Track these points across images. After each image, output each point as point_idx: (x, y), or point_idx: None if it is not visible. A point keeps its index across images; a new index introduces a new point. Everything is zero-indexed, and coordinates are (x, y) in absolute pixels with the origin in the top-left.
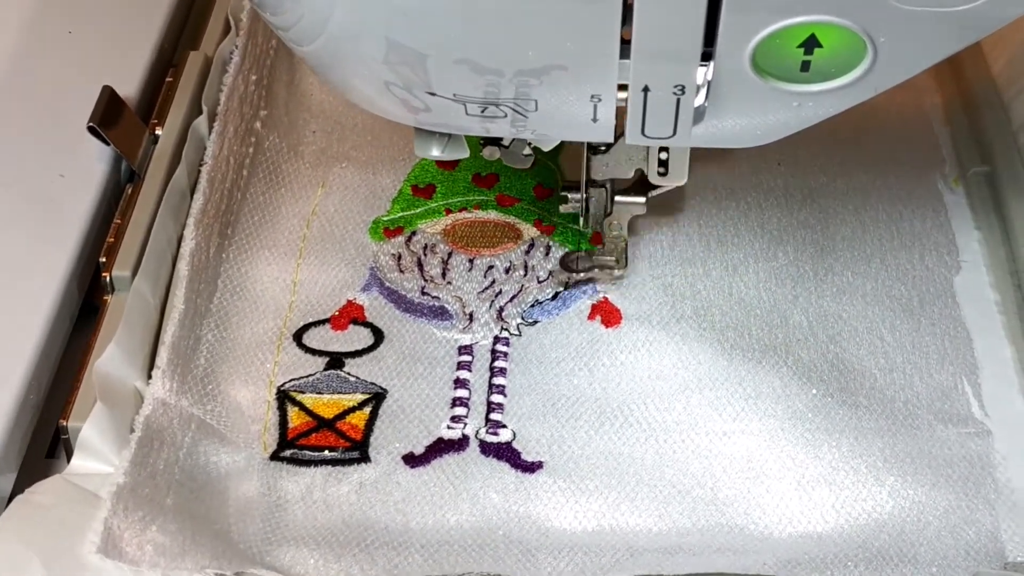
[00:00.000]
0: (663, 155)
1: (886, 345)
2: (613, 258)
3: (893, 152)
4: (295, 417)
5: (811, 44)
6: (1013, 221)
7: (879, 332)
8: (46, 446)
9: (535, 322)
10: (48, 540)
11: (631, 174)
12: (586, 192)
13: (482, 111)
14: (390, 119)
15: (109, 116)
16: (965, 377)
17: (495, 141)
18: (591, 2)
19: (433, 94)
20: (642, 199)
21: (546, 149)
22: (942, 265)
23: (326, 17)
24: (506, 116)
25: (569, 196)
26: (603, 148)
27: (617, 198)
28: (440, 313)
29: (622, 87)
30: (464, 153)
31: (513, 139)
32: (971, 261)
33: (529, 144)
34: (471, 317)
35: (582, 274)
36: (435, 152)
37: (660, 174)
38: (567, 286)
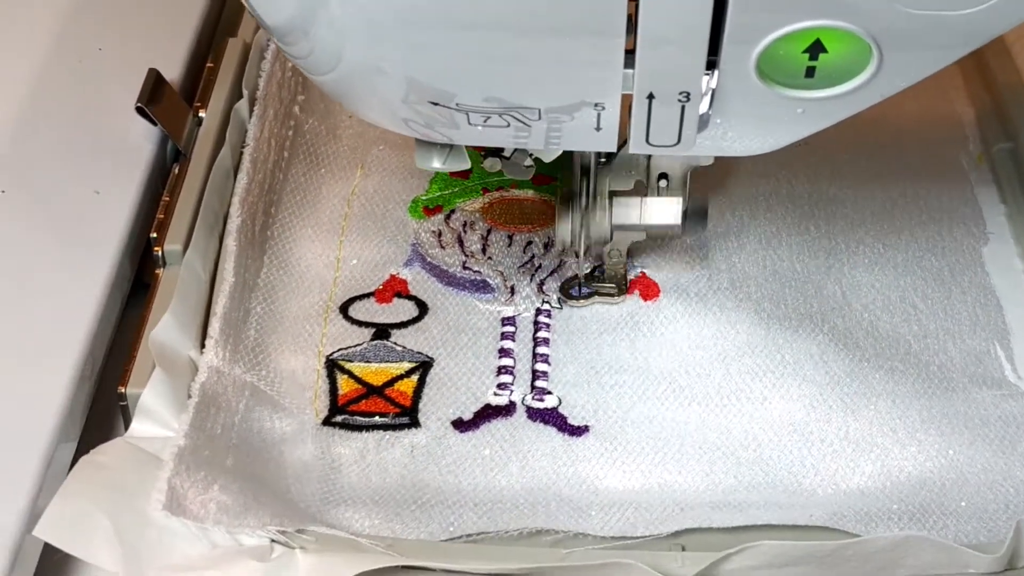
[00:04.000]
0: (663, 183)
1: (919, 312)
2: (613, 285)
3: (918, 131)
4: (344, 384)
5: (816, 49)
6: None
7: (911, 300)
8: (106, 414)
9: (576, 296)
10: (114, 498)
11: (631, 185)
12: (584, 248)
13: (485, 120)
14: (380, 125)
15: (155, 97)
16: (997, 342)
17: (496, 152)
18: (596, 10)
19: (436, 104)
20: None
21: (547, 161)
22: (970, 237)
23: (338, 52)
24: (508, 126)
25: (565, 253)
26: (603, 159)
27: (616, 225)
28: (482, 286)
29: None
30: (465, 164)
31: (515, 150)
32: (998, 233)
33: (530, 155)
34: (512, 290)
35: (582, 301)
36: (436, 164)
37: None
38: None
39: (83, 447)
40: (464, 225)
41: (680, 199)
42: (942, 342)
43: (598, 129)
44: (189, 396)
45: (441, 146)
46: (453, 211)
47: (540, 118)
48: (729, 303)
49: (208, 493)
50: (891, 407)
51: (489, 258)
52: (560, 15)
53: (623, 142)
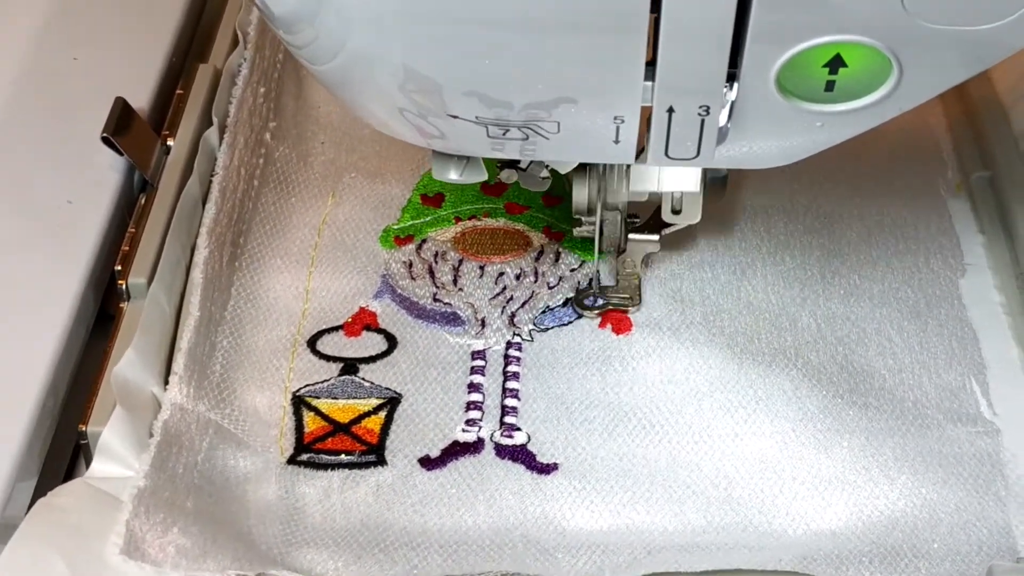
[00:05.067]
0: (677, 194)
1: (894, 346)
2: (627, 295)
3: (895, 158)
4: (311, 422)
5: (836, 64)
6: (1016, 224)
7: (887, 333)
8: (65, 452)
9: (546, 328)
10: (71, 542)
11: (646, 197)
12: (600, 216)
13: (504, 133)
14: (400, 138)
15: (122, 126)
16: (973, 377)
17: (512, 163)
18: (617, 25)
19: (455, 117)
20: (656, 237)
21: (563, 172)
22: (947, 268)
23: (341, 39)
24: (527, 138)
25: (584, 219)
26: None
27: (631, 236)
28: (452, 319)
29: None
30: (482, 176)
31: (531, 161)
32: (975, 264)
33: (546, 166)
34: (483, 323)
35: (596, 312)
36: (453, 175)
37: (674, 211)
38: (577, 292)
39: (43, 485)
40: (436, 255)
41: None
42: (917, 376)
43: (616, 142)
44: (151, 435)
45: (458, 157)
46: (425, 241)
47: (559, 131)
48: (702, 337)
49: (167, 536)
50: (865, 444)
51: (460, 289)
52: (580, 12)
53: (640, 153)
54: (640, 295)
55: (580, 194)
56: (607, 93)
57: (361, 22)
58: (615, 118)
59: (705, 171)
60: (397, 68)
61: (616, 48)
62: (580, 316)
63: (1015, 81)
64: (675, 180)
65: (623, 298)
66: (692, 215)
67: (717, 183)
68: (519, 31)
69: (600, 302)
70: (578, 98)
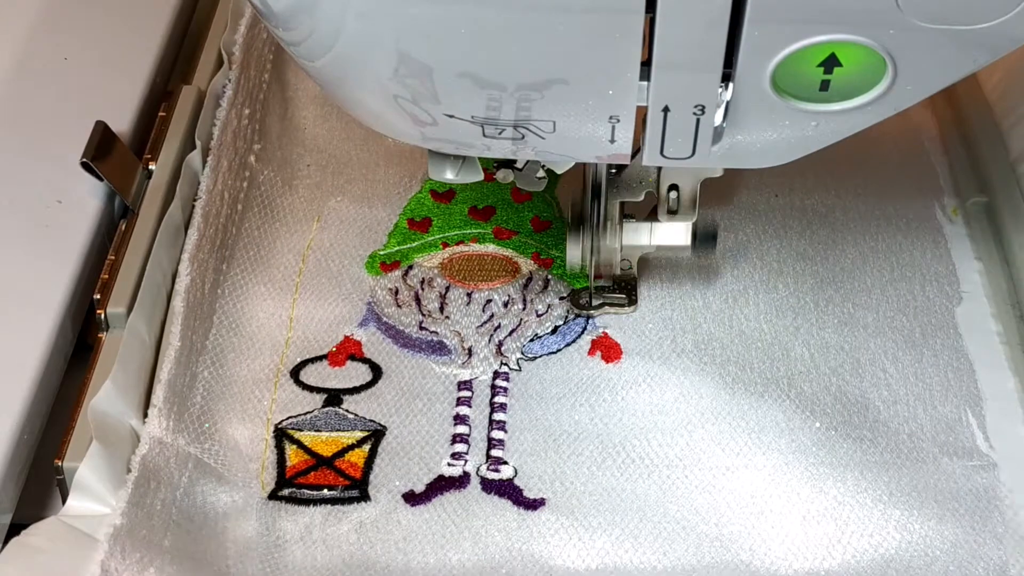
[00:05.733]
0: (673, 194)
1: (889, 377)
2: (623, 296)
3: (891, 183)
4: (293, 455)
5: (831, 63)
6: (1013, 251)
7: (881, 364)
8: (42, 486)
9: (535, 357)
10: None
11: (641, 197)
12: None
13: (499, 132)
14: (396, 137)
15: (102, 151)
16: (969, 409)
17: (509, 164)
18: (612, 25)
19: (451, 116)
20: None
21: (560, 172)
22: (943, 296)
23: (337, 31)
24: (523, 137)
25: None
26: (614, 170)
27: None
28: (439, 348)
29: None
30: (478, 176)
31: (527, 161)
32: (972, 292)
33: (543, 166)
34: (470, 352)
35: (593, 311)
36: (449, 175)
37: (671, 211)
38: (566, 320)
39: (18, 521)
40: (422, 282)
41: (689, 222)
42: (912, 408)
43: (612, 141)
44: (129, 470)
45: (454, 157)
46: (411, 267)
47: (555, 130)
48: (693, 366)
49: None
50: (859, 479)
51: (447, 317)
52: (576, 12)
53: (635, 153)
54: (636, 296)
55: (574, 253)
56: (603, 93)
57: (358, 10)
58: (611, 117)
59: (695, 227)
60: (392, 57)
61: (611, 48)
62: (581, 335)
63: (1012, 105)
64: (666, 235)
65: (619, 298)
66: (689, 216)
67: (708, 240)
68: (515, 30)
69: (596, 303)
70: (573, 98)
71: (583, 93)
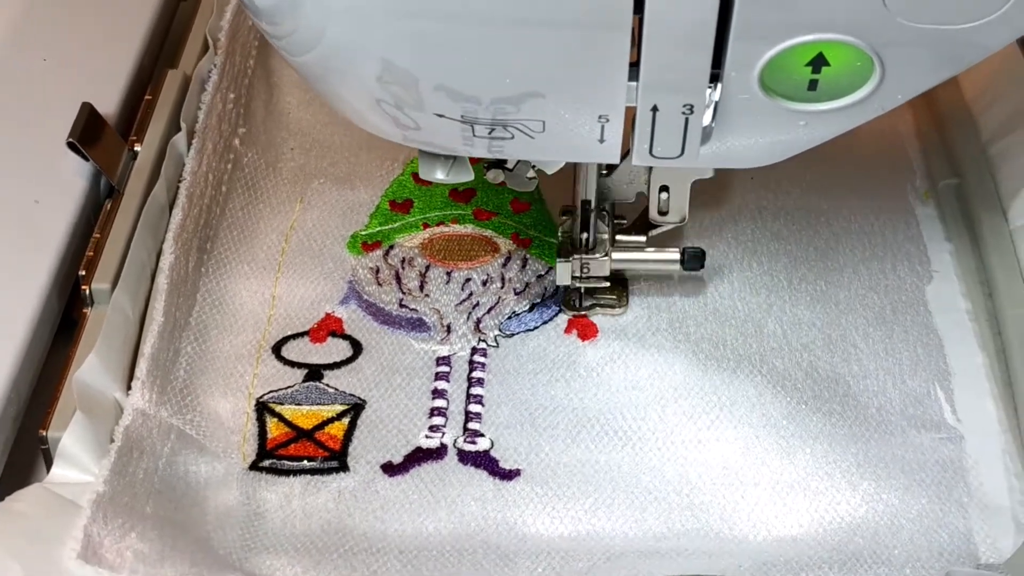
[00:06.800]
0: (664, 195)
1: (859, 352)
2: (614, 296)
3: (864, 166)
4: (274, 428)
5: (819, 63)
6: (983, 232)
7: (852, 340)
8: (26, 457)
9: (512, 334)
10: (28, 547)
11: (633, 197)
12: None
13: (488, 132)
14: (379, 136)
15: (88, 132)
16: (938, 383)
17: (499, 164)
18: (602, 28)
19: (441, 116)
20: (643, 238)
21: (550, 172)
22: (914, 275)
23: (322, 30)
24: (512, 137)
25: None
26: (604, 171)
27: (618, 237)
28: (418, 325)
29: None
30: (468, 176)
31: (518, 162)
32: (942, 271)
33: (533, 167)
34: (449, 329)
35: (584, 312)
36: (440, 175)
37: (661, 212)
38: (543, 298)
39: (3, 490)
40: (403, 261)
41: (677, 251)
42: (882, 383)
43: (601, 141)
44: (112, 440)
45: (444, 157)
46: (392, 247)
47: (544, 130)
48: (667, 343)
49: (125, 541)
50: (828, 451)
51: (426, 295)
52: (565, 12)
53: (625, 154)
54: (627, 297)
55: (563, 273)
56: (592, 93)
57: (340, 12)
58: (600, 117)
59: (684, 250)
60: (375, 59)
61: (600, 49)
62: (558, 313)
63: (983, 89)
64: (655, 262)
65: (610, 299)
66: (679, 216)
67: (695, 261)
68: (502, 29)
69: (587, 303)
70: (562, 97)
71: (572, 93)
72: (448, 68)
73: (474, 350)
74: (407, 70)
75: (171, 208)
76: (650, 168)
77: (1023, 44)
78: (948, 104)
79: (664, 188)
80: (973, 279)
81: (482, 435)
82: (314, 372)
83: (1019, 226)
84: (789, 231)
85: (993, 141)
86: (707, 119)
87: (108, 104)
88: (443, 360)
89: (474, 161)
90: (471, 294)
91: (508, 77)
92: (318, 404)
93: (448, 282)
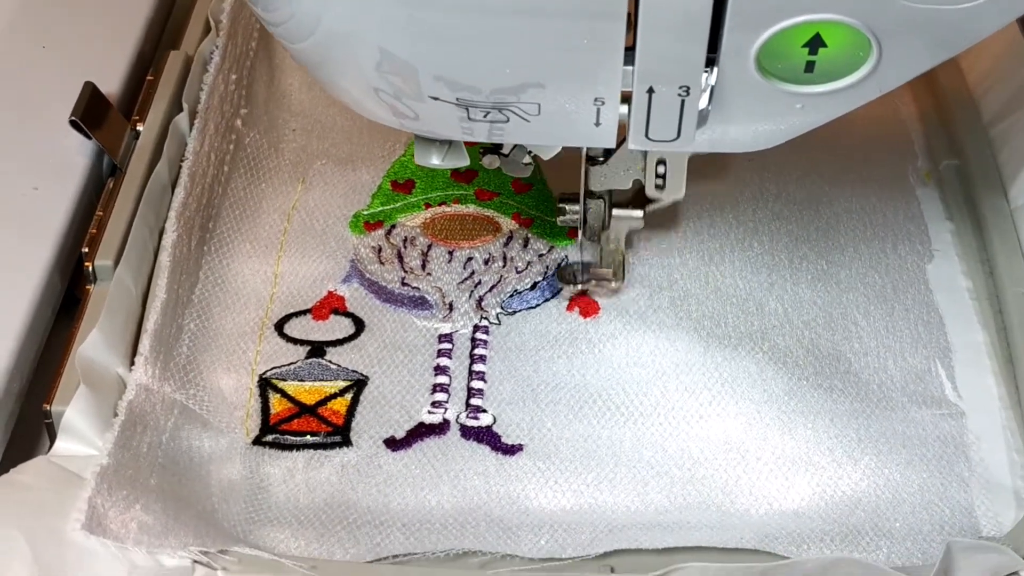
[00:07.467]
0: (660, 169)
1: (860, 330)
2: (611, 271)
3: (865, 147)
4: (277, 403)
5: (816, 44)
6: (984, 212)
7: (853, 318)
8: (31, 432)
9: (514, 312)
10: (32, 519)
11: (629, 184)
12: (584, 204)
13: (484, 115)
14: (376, 120)
15: (91, 111)
16: (939, 360)
17: (495, 149)
18: (599, 16)
19: (436, 99)
20: (639, 213)
21: (546, 158)
22: (915, 254)
23: (318, 17)
24: (508, 120)
25: (567, 208)
26: (601, 159)
27: (615, 212)
28: (420, 303)
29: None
30: (464, 161)
31: (513, 147)
32: (943, 251)
33: (529, 152)
34: (451, 307)
35: (580, 286)
36: (435, 160)
37: (658, 187)
38: (546, 276)
39: (7, 464)
40: (405, 241)
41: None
42: (883, 360)
43: (597, 125)
44: (115, 414)
45: (440, 142)
46: (394, 226)
47: (539, 113)
48: (669, 321)
49: (129, 512)
50: (829, 426)
51: (428, 274)
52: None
53: (622, 140)
54: (624, 272)
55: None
56: (587, 77)
57: (336, 9)
58: (595, 100)
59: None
60: (373, 48)
61: (597, 34)
62: (559, 291)
63: (985, 72)
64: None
65: (606, 273)
66: (676, 191)
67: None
68: (500, 15)
69: (584, 277)
70: (558, 81)
71: (568, 78)
72: (444, 54)
73: (476, 328)
74: (403, 57)
75: (173, 187)
76: (645, 153)
77: None
78: (949, 85)
79: (661, 162)
80: (974, 258)
81: (484, 411)
82: (317, 349)
83: (1020, 206)
84: (790, 211)
85: (994, 122)
86: (703, 103)
87: (111, 84)
88: (445, 337)
89: (470, 145)
90: (473, 273)
91: (504, 63)
92: (321, 380)
93: (450, 261)
